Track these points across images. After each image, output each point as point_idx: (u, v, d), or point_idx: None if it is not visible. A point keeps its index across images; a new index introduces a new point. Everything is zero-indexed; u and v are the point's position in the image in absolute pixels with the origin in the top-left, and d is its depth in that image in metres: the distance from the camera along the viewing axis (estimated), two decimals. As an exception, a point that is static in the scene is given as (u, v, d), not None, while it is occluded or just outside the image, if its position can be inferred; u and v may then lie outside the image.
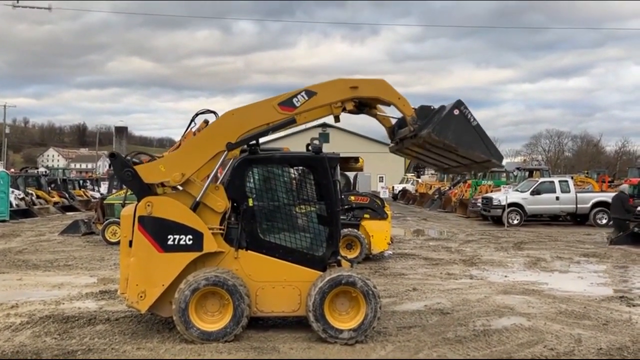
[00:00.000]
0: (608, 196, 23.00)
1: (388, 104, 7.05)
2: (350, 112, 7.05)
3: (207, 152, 6.58)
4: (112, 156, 6.65)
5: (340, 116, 6.97)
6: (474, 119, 6.85)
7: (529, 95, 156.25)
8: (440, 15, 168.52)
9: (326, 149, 6.95)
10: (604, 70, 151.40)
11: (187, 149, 6.70)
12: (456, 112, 6.78)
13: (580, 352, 6.17)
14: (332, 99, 6.80)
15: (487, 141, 6.99)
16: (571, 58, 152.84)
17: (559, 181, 23.37)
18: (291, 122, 6.77)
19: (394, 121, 7.40)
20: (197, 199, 6.51)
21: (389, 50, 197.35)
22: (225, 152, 6.58)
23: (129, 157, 6.79)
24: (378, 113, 7.28)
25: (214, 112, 7.02)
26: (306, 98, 6.72)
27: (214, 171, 6.60)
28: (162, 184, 6.67)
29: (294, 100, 6.70)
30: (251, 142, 6.75)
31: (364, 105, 7.10)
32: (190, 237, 6.43)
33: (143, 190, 6.57)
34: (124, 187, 17.95)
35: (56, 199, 30.89)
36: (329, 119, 7.25)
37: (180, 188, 6.64)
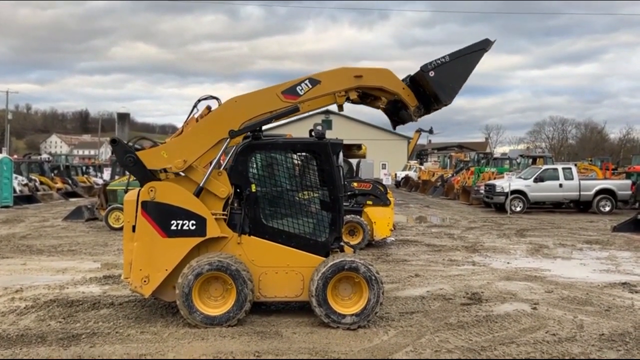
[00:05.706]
0: (612, 183, 23.06)
1: (392, 94, 6.95)
2: (353, 102, 7.00)
3: (209, 139, 6.57)
4: (114, 142, 6.63)
5: (344, 105, 6.93)
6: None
7: (537, 81, 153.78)
8: (450, 0, 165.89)
9: (329, 135, 6.90)
10: (614, 55, 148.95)
11: (189, 135, 6.68)
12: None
13: (582, 337, 6.19)
14: (336, 87, 6.77)
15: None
16: (584, 43, 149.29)
17: (563, 168, 23.27)
18: (294, 111, 6.72)
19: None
20: (201, 185, 6.51)
21: (398, 36, 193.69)
22: (228, 140, 6.57)
23: (130, 143, 6.78)
24: (381, 106, 7.16)
25: (217, 99, 6.98)
26: (310, 86, 6.67)
27: (217, 158, 6.59)
28: (164, 170, 6.67)
29: (298, 88, 6.65)
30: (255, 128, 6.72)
31: (367, 96, 7.04)
32: (194, 222, 6.44)
33: (146, 176, 6.57)
34: (127, 173, 17.82)
35: (59, 185, 30.98)
36: (332, 106, 7.19)
37: (182, 174, 6.63)
